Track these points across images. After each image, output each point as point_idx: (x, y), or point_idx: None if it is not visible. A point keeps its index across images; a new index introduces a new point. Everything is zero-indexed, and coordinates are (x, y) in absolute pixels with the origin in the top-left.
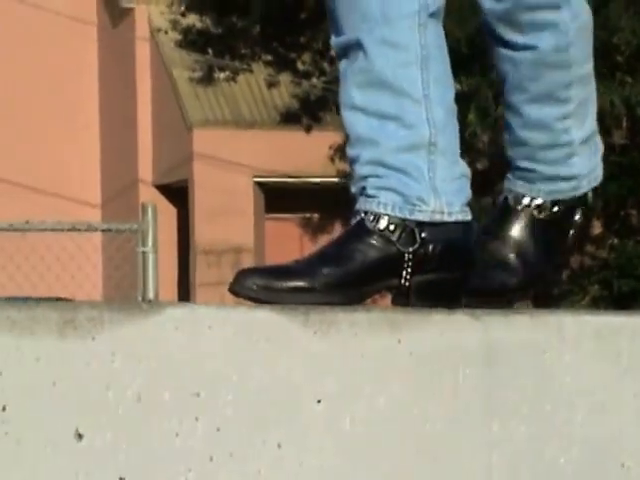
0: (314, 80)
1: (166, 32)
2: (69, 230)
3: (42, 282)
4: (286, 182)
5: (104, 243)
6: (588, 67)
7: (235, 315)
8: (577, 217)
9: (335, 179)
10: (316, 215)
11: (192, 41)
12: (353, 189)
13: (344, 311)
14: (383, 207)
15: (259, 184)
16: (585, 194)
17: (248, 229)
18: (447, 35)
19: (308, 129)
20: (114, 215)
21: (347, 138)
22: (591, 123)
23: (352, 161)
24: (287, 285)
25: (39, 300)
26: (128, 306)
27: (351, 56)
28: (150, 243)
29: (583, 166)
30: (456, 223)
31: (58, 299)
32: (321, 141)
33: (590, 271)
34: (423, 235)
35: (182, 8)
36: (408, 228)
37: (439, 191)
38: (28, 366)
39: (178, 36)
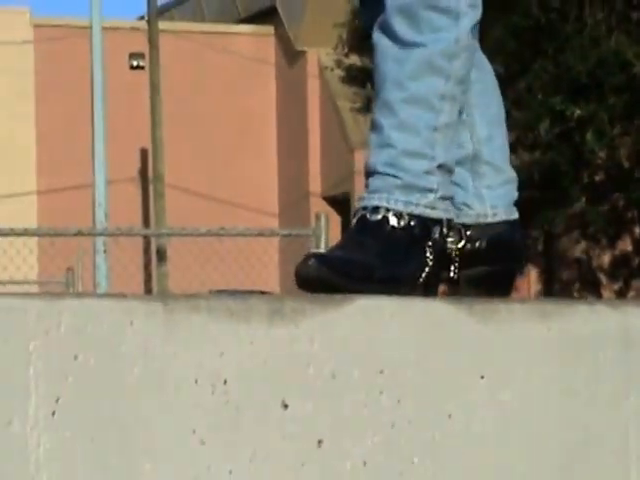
0: None
1: (332, 70)
2: (256, 235)
3: (235, 279)
4: None
5: (281, 246)
6: (462, 96)
7: (412, 305)
8: (432, 237)
9: None
10: None
11: (354, 77)
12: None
13: (503, 302)
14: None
15: None
16: (441, 221)
17: None
18: (570, 69)
19: None
20: (289, 223)
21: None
22: (451, 157)
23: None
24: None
25: (250, 293)
26: (324, 298)
27: None
28: (322, 246)
29: (441, 189)
30: (501, 223)
31: (262, 292)
32: None
33: None
34: (469, 234)
35: (345, 50)
36: (455, 229)
37: (484, 197)
38: (244, 348)
39: (342, 73)
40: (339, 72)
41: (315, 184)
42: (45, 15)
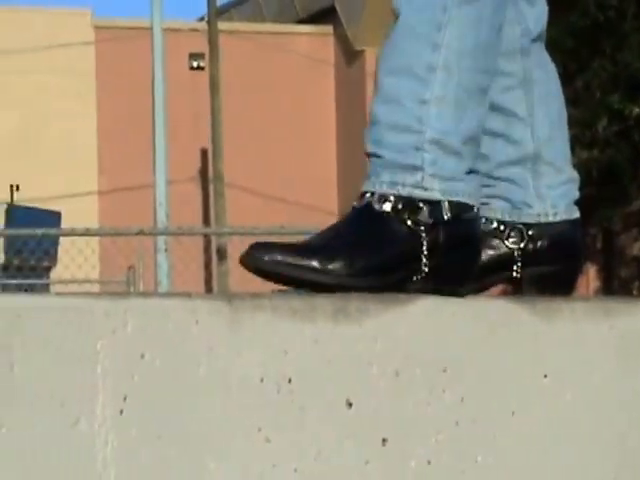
0: None
1: None
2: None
3: None
4: None
5: None
6: (467, 72)
7: (474, 303)
8: (425, 219)
9: None
10: None
11: None
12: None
13: (565, 300)
14: (494, 212)
15: None
16: (439, 203)
17: None
18: (628, 67)
19: None
20: None
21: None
22: (460, 135)
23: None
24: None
25: (312, 293)
26: (388, 297)
27: None
28: None
29: (433, 166)
30: (562, 222)
31: (316, 292)
32: None
33: None
34: (530, 233)
35: None
36: (516, 229)
37: (544, 196)
38: (308, 347)
39: None
40: None
41: None
42: (106, 16)
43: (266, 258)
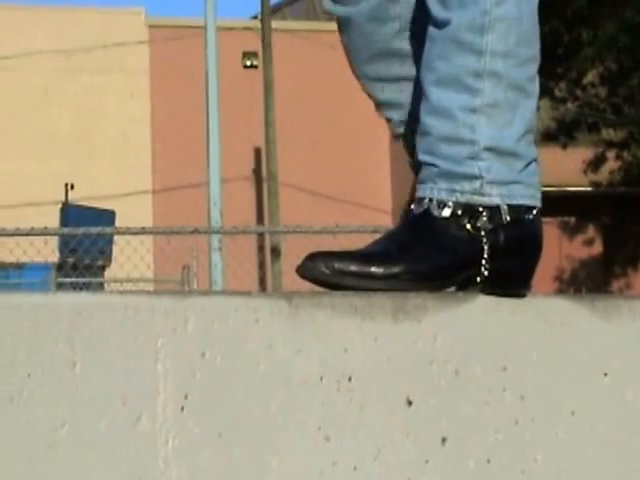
0: (569, 105)
1: None
2: (371, 232)
3: None
4: (546, 191)
5: None
6: (514, 71)
7: (533, 302)
8: (484, 224)
9: (588, 188)
10: (572, 219)
11: None
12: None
13: (624, 298)
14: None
15: None
16: (497, 207)
17: None
18: None
19: (564, 146)
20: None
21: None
22: (513, 137)
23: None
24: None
25: (371, 291)
26: (447, 295)
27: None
28: None
29: (491, 173)
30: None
31: (375, 290)
32: (575, 156)
33: None
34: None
35: None
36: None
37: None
38: (368, 344)
39: None
40: None
41: None
42: (160, 16)
43: (324, 269)
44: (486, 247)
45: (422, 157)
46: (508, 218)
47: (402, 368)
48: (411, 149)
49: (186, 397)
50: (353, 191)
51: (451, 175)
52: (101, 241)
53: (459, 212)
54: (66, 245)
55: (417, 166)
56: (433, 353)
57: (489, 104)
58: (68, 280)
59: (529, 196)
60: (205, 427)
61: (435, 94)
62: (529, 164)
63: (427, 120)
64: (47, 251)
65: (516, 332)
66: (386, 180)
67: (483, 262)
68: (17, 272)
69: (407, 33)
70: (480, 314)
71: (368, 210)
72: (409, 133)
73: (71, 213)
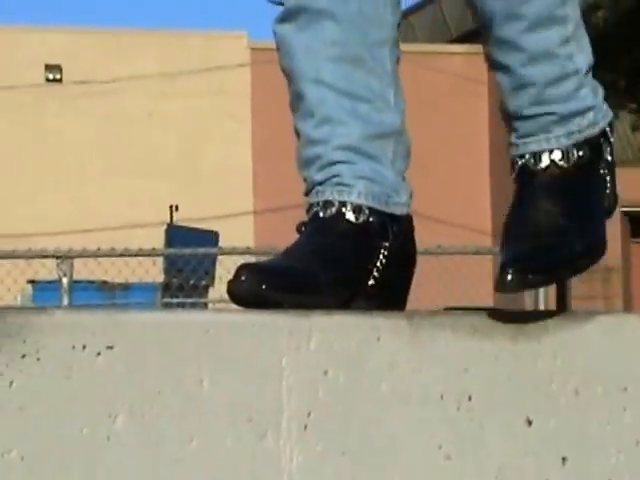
0: None
1: None
2: (473, 253)
3: (451, 296)
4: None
5: (495, 264)
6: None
7: None
8: (607, 157)
9: None
10: None
11: None
12: (317, 176)
13: None
14: (364, 198)
15: (625, 213)
16: (604, 131)
17: (616, 251)
18: None
19: None
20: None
21: (303, 113)
22: (590, 52)
23: (316, 142)
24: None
25: (490, 310)
26: (567, 315)
27: (312, 24)
28: None
29: (593, 99)
30: (408, 216)
31: (492, 310)
32: None
33: None
34: (395, 229)
35: None
36: (383, 221)
37: (404, 182)
38: (488, 364)
39: None
40: None
41: None
42: (262, 39)
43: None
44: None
45: (529, 111)
46: (611, 136)
47: (522, 387)
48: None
49: (309, 415)
50: (453, 211)
51: (567, 117)
52: (206, 261)
53: (581, 153)
54: (171, 265)
55: (514, 119)
56: (553, 372)
57: (576, 26)
58: (175, 301)
59: (603, 117)
60: (328, 445)
61: (530, 40)
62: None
63: (527, 71)
64: (155, 271)
65: (637, 352)
66: (486, 201)
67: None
68: (123, 293)
69: None
70: (600, 334)
71: (466, 230)
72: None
73: (176, 234)
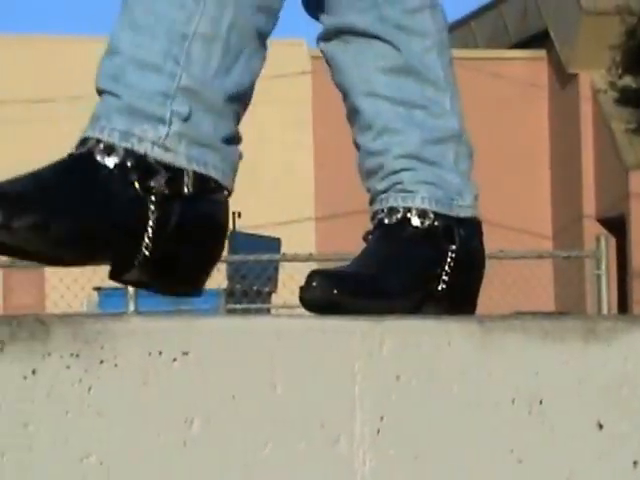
0: None
1: (605, 92)
2: (536, 257)
3: (514, 300)
4: None
5: (556, 268)
6: (252, 15)
7: None
8: (159, 186)
9: None
10: None
11: (628, 98)
12: (379, 185)
13: None
14: (428, 202)
15: None
16: (182, 172)
17: None
18: None
19: None
20: (562, 245)
21: (360, 126)
22: (229, 86)
23: (376, 153)
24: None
25: (561, 314)
26: (637, 317)
27: (357, 38)
28: (603, 267)
29: (182, 123)
30: (476, 219)
31: (560, 314)
32: None
33: None
34: (461, 232)
35: (619, 71)
36: (449, 224)
37: (469, 183)
38: (559, 368)
39: (616, 95)
40: (613, 94)
41: (589, 206)
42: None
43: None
44: (152, 216)
45: (102, 83)
46: (191, 189)
47: (592, 391)
48: None
49: (382, 419)
50: (514, 216)
51: (133, 112)
52: (269, 268)
53: (128, 164)
54: (235, 272)
55: (99, 95)
56: (623, 376)
57: (205, 35)
58: (239, 307)
59: (222, 171)
60: (401, 449)
61: (139, 4)
62: (231, 144)
63: (121, 33)
64: (219, 278)
65: None
66: (547, 206)
67: (144, 236)
68: (188, 299)
69: None
70: None
71: (525, 234)
72: None
73: (239, 240)
